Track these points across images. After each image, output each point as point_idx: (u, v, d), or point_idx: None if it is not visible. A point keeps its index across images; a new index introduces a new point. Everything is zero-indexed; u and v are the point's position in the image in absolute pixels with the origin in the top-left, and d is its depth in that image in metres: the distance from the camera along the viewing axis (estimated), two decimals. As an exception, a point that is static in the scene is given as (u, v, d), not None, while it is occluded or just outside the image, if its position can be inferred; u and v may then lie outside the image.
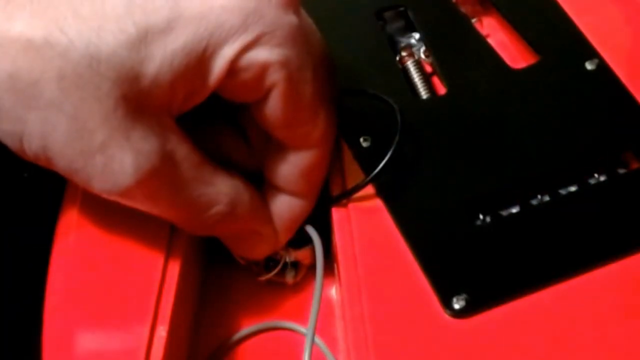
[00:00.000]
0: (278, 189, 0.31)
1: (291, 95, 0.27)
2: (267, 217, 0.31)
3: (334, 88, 0.30)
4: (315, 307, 0.29)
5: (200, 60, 0.25)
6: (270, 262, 0.34)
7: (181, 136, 0.27)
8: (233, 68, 0.26)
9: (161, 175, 0.26)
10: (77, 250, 0.30)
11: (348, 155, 0.33)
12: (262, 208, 0.31)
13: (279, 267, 0.33)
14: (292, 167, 0.30)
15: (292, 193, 0.31)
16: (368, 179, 0.31)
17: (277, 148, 0.30)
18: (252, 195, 0.30)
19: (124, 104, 0.24)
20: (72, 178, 0.26)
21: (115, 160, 0.25)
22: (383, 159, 0.31)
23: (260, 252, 0.32)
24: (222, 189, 0.28)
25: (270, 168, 0.30)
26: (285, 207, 0.31)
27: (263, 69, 0.26)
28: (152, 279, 0.29)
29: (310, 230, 0.32)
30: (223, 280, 0.35)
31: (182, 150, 0.27)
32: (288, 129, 0.28)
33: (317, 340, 0.32)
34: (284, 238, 0.32)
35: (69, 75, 0.24)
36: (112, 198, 0.26)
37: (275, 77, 0.27)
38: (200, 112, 0.28)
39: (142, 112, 0.25)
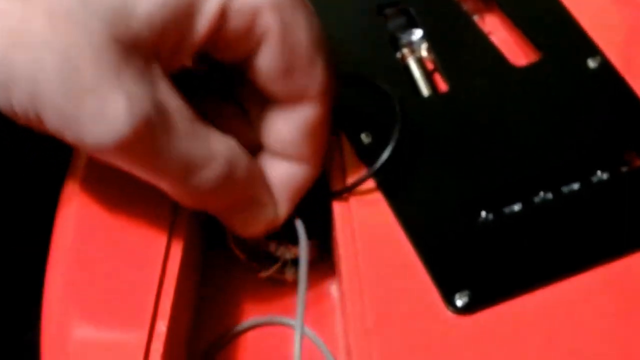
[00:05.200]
0: (278, 156, 0.30)
1: (285, 41, 0.27)
2: (266, 184, 0.30)
3: (329, 52, 0.29)
4: (302, 299, 0.29)
5: (191, 3, 0.25)
6: (270, 259, 0.34)
7: (172, 88, 0.26)
8: (224, 13, 0.25)
9: (156, 124, 0.25)
10: (76, 244, 0.30)
11: (349, 150, 0.33)
12: (259, 173, 0.30)
13: (279, 264, 0.33)
14: (292, 127, 0.29)
15: (293, 158, 0.30)
16: (369, 173, 0.31)
17: (275, 110, 0.29)
18: (249, 158, 0.29)
19: (114, 44, 0.24)
20: (64, 135, 0.25)
21: (108, 102, 0.24)
22: (384, 154, 0.31)
23: (259, 225, 0.30)
24: (218, 147, 0.27)
25: (269, 133, 0.29)
26: (285, 174, 0.30)
27: (254, 14, 0.26)
28: (152, 274, 0.29)
29: (298, 224, 0.31)
30: (223, 277, 0.35)
31: (173, 101, 0.26)
32: (285, 80, 0.28)
33: (315, 337, 0.32)
34: (285, 210, 0.31)
35: (58, 11, 0.23)
36: (109, 157, 0.25)
37: (267, 21, 0.26)
38: (197, 89, 0.28)
39: (131, 55, 0.24)
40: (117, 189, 0.31)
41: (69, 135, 0.25)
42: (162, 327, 0.28)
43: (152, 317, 0.28)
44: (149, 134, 0.25)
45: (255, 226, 0.30)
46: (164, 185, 0.27)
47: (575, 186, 0.31)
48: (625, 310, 0.28)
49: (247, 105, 0.30)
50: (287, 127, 0.29)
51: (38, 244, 0.31)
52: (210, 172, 0.27)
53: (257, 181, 0.29)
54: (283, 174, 0.30)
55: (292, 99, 0.28)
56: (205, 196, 0.28)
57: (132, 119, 0.24)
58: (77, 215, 0.31)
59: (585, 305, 0.28)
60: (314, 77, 0.28)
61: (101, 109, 0.24)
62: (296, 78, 0.28)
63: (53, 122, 0.24)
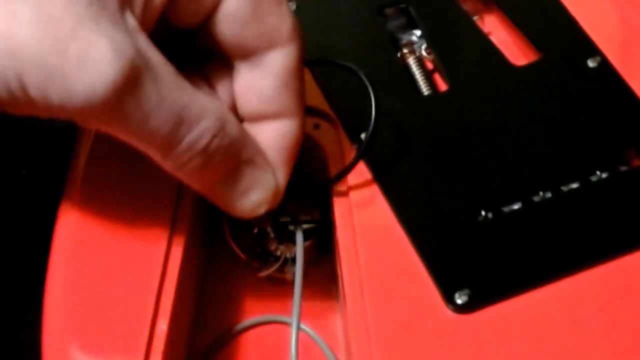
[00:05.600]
0: (261, 119, 0.29)
1: None
2: (259, 147, 0.29)
3: None
4: (298, 297, 0.29)
5: None
6: (270, 257, 0.34)
7: (151, 42, 0.25)
8: None
9: (143, 70, 0.24)
10: (77, 244, 0.30)
11: (349, 148, 0.33)
12: (249, 135, 0.29)
13: (279, 263, 0.33)
14: (270, 79, 0.28)
15: (276, 115, 0.29)
16: (360, 153, 0.31)
17: (249, 69, 0.28)
18: (236, 119, 0.28)
19: None
20: (50, 95, 0.23)
21: (91, 47, 0.23)
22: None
23: (262, 196, 0.29)
24: (207, 103, 0.26)
25: (248, 97, 0.29)
26: (274, 135, 0.29)
27: None
28: (153, 273, 0.29)
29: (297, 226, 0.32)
30: (223, 277, 0.35)
31: (154, 54, 0.25)
32: (255, 21, 0.27)
33: (316, 335, 0.32)
34: (284, 175, 0.29)
35: None
36: (99, 115, 0.24)
37: None
38: None
39: (105, 5, 0.24)
40: (118, 188, 0.31)
41: (55, 94, 0.23)
42: (162, 326, 0.28)
43: (153, 316, 0.28)
44: (137, 80, 0.24)
45: (258, 199, 0.29)
46: (157, 149, 0.26)
47: (575, 185, 0.31)
48: (624, 308, 0.28)
49: (215, 82, 0.30)
50: (265, 81, 0.28)
51: (38, 244, 0.31)
52: (203, 127, 0.26)
53: (251, 141, 0.28)
54: (271, 136, 0.29)
55: (264, 44, 0.28)
56: (201, 160, 0.27)
57: (119, 61, 0.23)
58: (78, 214, 0.31)
59: (584, 304, 0.28)
60: (283, 16, 0.28)
61: (86, 54, 0.23)
62: (266, 17, 0.27)
63: (36, 79, 0.23)
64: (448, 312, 0.28)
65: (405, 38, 0.40)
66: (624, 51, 0.36)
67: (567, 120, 0.34)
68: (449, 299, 0.28)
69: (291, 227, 0.32)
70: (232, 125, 0.27)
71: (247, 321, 0.33)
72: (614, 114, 0.34)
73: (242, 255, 0.34)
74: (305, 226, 0.33)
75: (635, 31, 0.37)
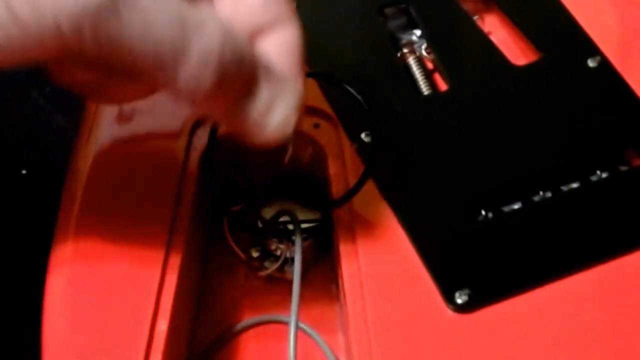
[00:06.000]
0: (260, 34, 0.27)
1: None
2: (267, 60, 0.27)
3: None
4: (296, 296, 0.29)
5: None
6: (270, 257, 0.34)
7: None
8: None
9: None
10: (78, 244, 0.30)
11: (349, 154, 0.33)
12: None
13: (279, 262, 0.33)
14: None
15: (271, 24, 0.27)
16: (363, 177, 0.31)
17: None
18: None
19: None
20: (45, 13, 0.22)
21: None
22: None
23: (285, 109, 0.27)
24: (209, 14, 0.25)
25: (236, 16, 0.27)
26: (275, 46, 0.27)
27: None
28: (153, 273, 0.29)
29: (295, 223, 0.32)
30: (223, 276, 0.35)
31: None
32: None
33: (316, 335, 0.32)
34: (301, 82, 0.27)
35: None
36: (93, 16, 0.22)
37: None
38: None
39: None
40: (119, 187, 0.31)
41: (49, 9, 0.22)
42: (162, 325, 0.28)
43: (153, 316, 0.28)
44: None
45: (284, 112, 0.26)
46: (167, 67, 0.24)
47: (575, 185, 0.32)
48: (624, 308, 0.28)
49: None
50: None
51: (38, 244, 0.31)
52: (210, 34, 0.24)
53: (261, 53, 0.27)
54: (274, 47, 0.27)
55: None
56: (216, 76, 0.24)
57: None
58: (78, 215, 0.31)
59: (584, 304, 0.28)
60: None
61: None
62: None
63: None
64: (448, 312, 0.28)
65: (405, 38, 0.40)
66: (624, 51, 0.36)
67: (567, 120, 0.34)
68: (449, 299, 0.28)
69: (291, 227, 0.32)
70: (239, 36, 0.25)
71: (247, 321, 0.33)
72: (614, 114, 0.34)
73: (242, 255, 0.34)
74: (305, 226, 0.32)
75: (635, 31, 0.37)
